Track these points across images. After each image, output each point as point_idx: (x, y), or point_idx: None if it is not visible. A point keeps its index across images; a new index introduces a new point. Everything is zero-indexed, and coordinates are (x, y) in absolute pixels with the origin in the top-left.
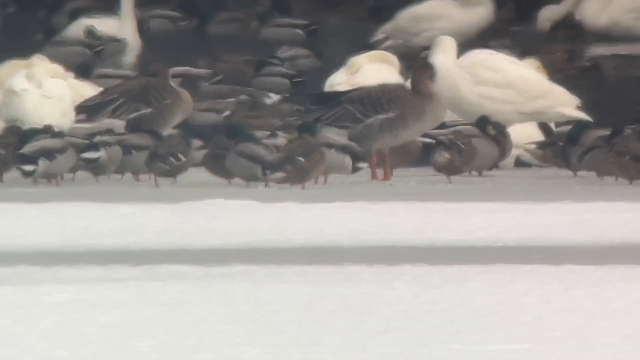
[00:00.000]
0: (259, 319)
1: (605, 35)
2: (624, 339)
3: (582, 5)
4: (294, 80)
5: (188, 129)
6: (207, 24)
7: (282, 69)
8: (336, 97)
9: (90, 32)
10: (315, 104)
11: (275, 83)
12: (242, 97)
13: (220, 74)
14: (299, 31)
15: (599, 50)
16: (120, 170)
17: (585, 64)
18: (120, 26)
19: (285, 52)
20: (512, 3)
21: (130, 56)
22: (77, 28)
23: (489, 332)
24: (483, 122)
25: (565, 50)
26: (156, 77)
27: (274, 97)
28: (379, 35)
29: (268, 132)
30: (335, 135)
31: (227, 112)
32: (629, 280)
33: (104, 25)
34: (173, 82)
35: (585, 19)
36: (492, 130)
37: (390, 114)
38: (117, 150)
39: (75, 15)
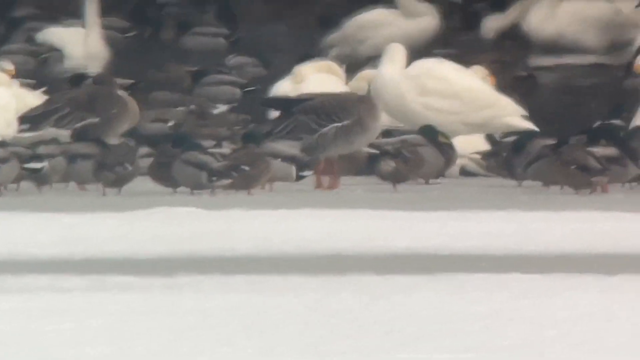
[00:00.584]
0: (205, 329)
1: (552, 46)
2: (570, 348)
3: (528, 16)
4: (243, 89)
5: (137, 137)
6: (159, 33)
7: (227, 77)
8: (287, 104)
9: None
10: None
11: (220, 92)
12: (192, 106)
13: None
14: (222, 40)
15: (543, 61)
16: (65, 179)
17: (521, 74)
18: (86, 35)
19: (231, 60)
20: (459, 12)
21: (98, 66)
22: (22, 36)
23: (436, 342)
24: (428, 131)
25: (497, 60)
26: (103, 86)
27: (221, 107)
28: (325, 44)
29: (214, 142)
30: (281, 144)
31: (172, 122)
32: (575, 289)
33: (70, 35)
34: (120, 91)
35: (531, 30)
36: (444, 138)
37: (346, 122)
38: (61, 160)
39: (18, 23)
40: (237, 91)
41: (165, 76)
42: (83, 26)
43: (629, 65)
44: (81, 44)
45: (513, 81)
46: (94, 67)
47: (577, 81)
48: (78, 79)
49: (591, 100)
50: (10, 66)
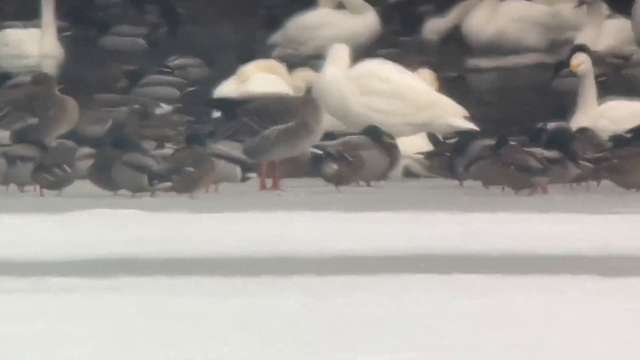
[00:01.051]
0: (148, 332)
1: (492, 48)
2: (511, 349)
3: (467, 18)
4: (185, 90)
5: (77, 138)
6: (102, 36)
7: (166, 78)
8: (231, 105)
9: None
10: (205, 111)
11: (159, 93)
12: (136, 106)
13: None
14: (141, 40)
15: (481, 62)
16: (5, 181)
17: (451, 75)
18: (41, 37)
19: (174, 61)
20: (399, 15)
21: (52, 68)
22: None
23: (378, 342)
24: (373, 132)
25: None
26: (41, 86)
27: (165, 107)
28: (269, 44)
29: (155, 143)
30: (225, 146)
31: (109, 123)
32: (516, 290)
33: (26, 35)
34: (58, 91)
35: (471, 32)
36: (388, 139)
37: (289, 124)
38: (0, 161)
39: None
40: (176, 92)
41: (103, 77)
42: (38, 27)
43: (559, 65)
44: (37, 44)
45: (449, 82)
46: (49, 68)
47: (518, 81)
48: (2, 78)
49: (532, 100)
50: None
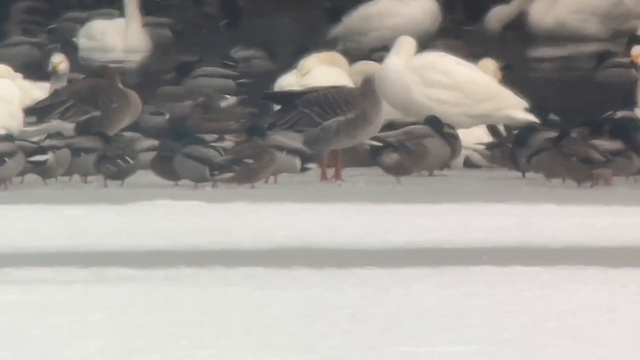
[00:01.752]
0: (206, 322)
1: (553, 37)
2: (571, 341)
3: (530, 7)
4: (240, 80)
5: (144, 131)
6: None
7: (219, 70)
8: (289, 98)
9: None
10: (267, 103)
11: (212, 85)
12: (200, 99)
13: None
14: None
15: (544, 51)
16: (69, 172)
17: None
18: (125, 28)
19: (238, 52)
20: (462, 3)
21: (136, 58)
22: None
23: (437, 334)
24: (433, 122)
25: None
26: (104, 79)
27: (229, 99)
28: (330, 36)
29: (217, 136)
30: (284, 137)
31: (167, 116)
32: (576, 282)
33: (110, 28)
34: (121, 84)
35: (532, 20)
36: (449, 128)
37: (349, 115)
38: (65, 153)
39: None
40: (231, 83)
41: (161, 68)
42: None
43: (602, 56)
44: (121, 37)
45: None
46: (133, 60)
47: (572, 72)
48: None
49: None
50: (60, 58)
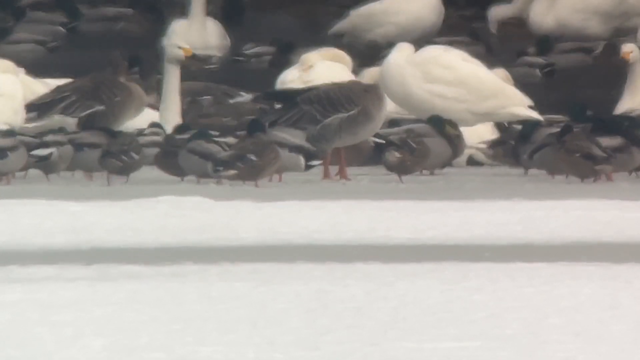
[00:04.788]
0: (211, 318)
1: (554, 36)
2: (574, 337)
3: (530, 6)
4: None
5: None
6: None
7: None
8: (290, 96)
9: None
10: (268, 102)
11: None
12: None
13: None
14: (60, 28)
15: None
16: (72, 168)
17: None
18: (206, 27)
19: (251, 49)
20: (467, 2)
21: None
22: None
23: (440, 330)
24: (436, 121)
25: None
26: (112, 69)
27: (245, 96)
28: (333, 32)
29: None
30: (287, 134)
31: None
32: (579, 278)
33: (191, 26)
34: (125, 78)
35: (532, 20)
36: (450, 129)
37: (351, 113)
38: (68, 148)
39: (20, 13)
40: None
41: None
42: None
43: (607, 48)
44: (202, 35)
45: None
46: (215, 58)
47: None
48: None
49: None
50: (185, 45)
